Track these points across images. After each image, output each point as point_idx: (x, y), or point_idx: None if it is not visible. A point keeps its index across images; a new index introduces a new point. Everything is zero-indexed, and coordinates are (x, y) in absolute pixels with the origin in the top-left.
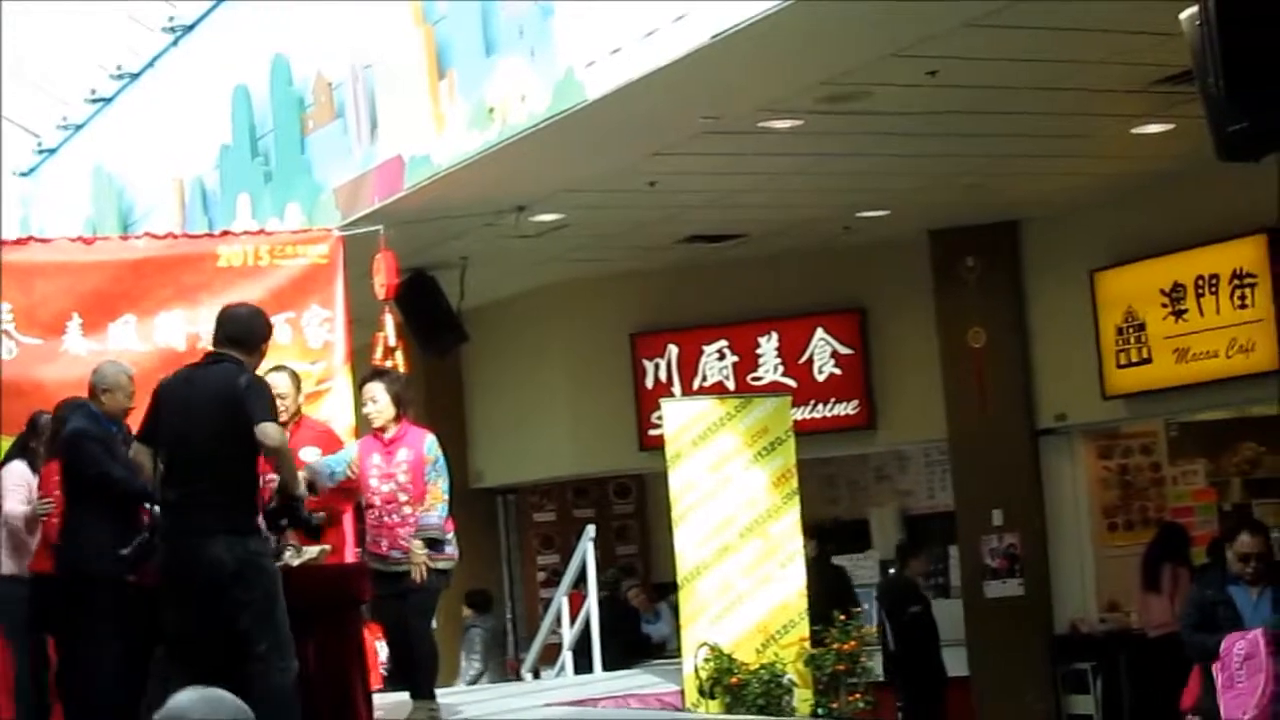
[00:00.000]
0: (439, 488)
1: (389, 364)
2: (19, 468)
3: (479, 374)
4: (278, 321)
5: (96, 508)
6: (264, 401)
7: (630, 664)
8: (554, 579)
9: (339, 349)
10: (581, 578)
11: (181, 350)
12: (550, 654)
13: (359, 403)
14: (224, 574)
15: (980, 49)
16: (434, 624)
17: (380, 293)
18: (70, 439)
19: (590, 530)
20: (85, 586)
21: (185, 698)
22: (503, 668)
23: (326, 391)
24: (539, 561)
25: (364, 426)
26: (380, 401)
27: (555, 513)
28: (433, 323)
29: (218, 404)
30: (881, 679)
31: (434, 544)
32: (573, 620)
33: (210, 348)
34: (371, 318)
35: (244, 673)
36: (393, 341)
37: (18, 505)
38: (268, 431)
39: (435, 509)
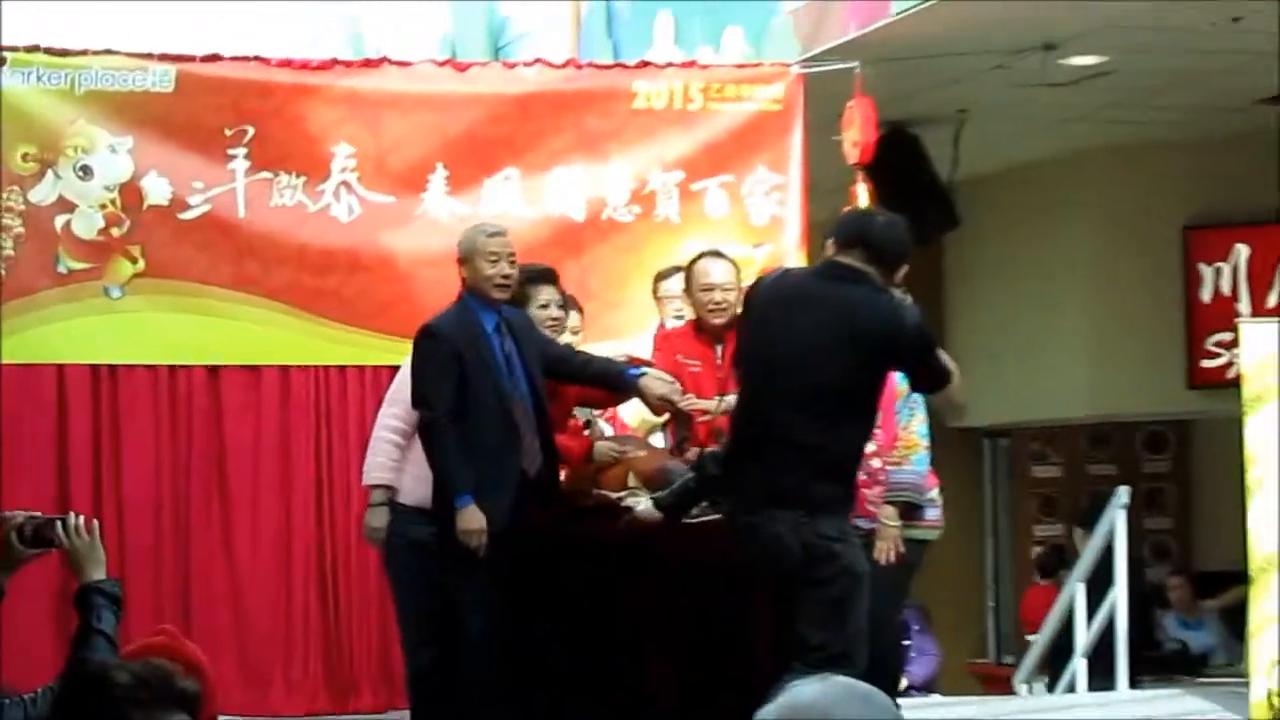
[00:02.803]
0: (915, 429)
1: None
2: None
3: (966, 271)
4: (710, 186)
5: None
6: (940, 360)
7: (1156, 680)
8: (1054, 556)
9: (792, 227)
10: (1105, 559)
11: (580, 221)
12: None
13: None
14: (789, 562)
15: None
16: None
17: (852, 154)
18: (414, 340)
19: (1123, 493)
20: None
21: (817, 689)
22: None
23: None
24: (1035, 532)
25: None
26: None
27: (1062, 467)
28: (914, 198)
29: (847, 337)
30: None
31: (911, 508)
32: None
33: (832, 256)
34: (833, 187)
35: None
36: None
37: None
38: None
39: (911, 459)
